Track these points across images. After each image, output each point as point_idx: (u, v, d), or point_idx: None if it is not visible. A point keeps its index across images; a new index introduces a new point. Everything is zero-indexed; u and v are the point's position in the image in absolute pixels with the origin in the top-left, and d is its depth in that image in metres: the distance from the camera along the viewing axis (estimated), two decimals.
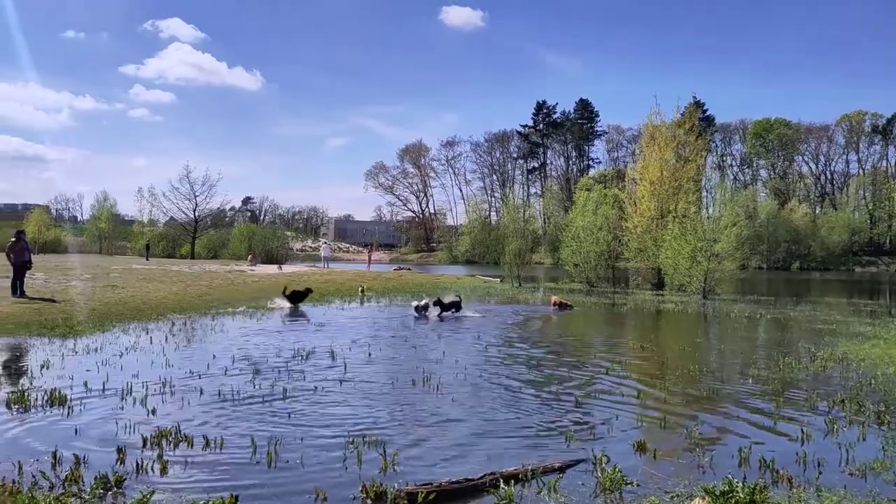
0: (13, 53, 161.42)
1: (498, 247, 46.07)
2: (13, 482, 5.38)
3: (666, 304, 25.41)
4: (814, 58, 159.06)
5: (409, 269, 53.16)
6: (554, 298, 22.94)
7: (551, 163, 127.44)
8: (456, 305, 20.01)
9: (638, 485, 5.72)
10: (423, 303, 19.82)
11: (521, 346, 14.25)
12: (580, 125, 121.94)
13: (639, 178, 38.61)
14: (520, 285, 35.40)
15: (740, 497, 5.23)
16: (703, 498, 5.27)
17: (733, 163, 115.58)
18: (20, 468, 5.72)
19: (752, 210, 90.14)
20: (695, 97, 55.14)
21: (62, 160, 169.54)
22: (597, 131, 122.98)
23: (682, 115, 38.49)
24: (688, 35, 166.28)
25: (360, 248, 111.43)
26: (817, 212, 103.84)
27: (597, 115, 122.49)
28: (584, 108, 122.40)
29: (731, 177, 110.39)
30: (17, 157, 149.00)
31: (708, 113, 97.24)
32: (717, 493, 5.27)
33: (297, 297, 21.19)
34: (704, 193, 54.03)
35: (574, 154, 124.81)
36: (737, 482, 5.52)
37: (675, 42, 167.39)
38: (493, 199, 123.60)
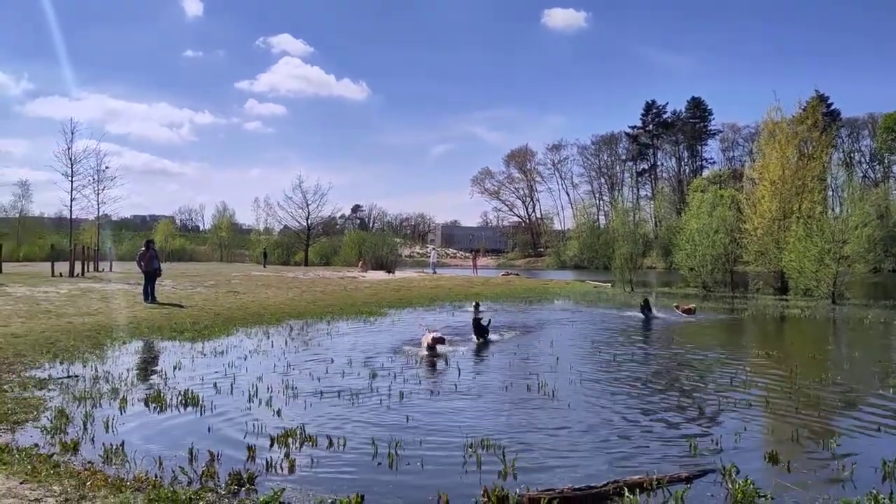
0: (142, 76, 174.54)
1: (607, 251, 45.12)
2: (155, 476, 5.71)
3: (791, 310, 24.02)
4: None
5: (517, 274, 52.99)
6: (681, 306, 22.29)
7: (662, 164, 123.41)
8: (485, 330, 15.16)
9: (772, 498, 5.38)
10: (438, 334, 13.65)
11: (637, 352, 13.85)
12: (692, 124, 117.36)
13: (758, 178, 36.70)
14: (632, 290, 34.47)
15: None
16: None
17: (862, 159, 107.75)
18: (160, 463, 6.07)
19: (885, 209, 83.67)
20: (817, 91, 51.86)
21: (183, 173, 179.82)
22: (710, 130, 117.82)
23: (804, 110, 36.30)
24: (808, 26, 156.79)
25: (467, 254, 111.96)
26: None
27: (710, 114, 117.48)
28: (697, 106, 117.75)
29: (860, 174, 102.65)
30: (145, 171, 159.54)
31: (833, 107, 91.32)
32: None
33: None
34: (830, 192, 50.80)
35: (686, 154, 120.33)
36: (883, 497, 5.14)
37: (793, 34, 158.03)
38: (601, 202, 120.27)
